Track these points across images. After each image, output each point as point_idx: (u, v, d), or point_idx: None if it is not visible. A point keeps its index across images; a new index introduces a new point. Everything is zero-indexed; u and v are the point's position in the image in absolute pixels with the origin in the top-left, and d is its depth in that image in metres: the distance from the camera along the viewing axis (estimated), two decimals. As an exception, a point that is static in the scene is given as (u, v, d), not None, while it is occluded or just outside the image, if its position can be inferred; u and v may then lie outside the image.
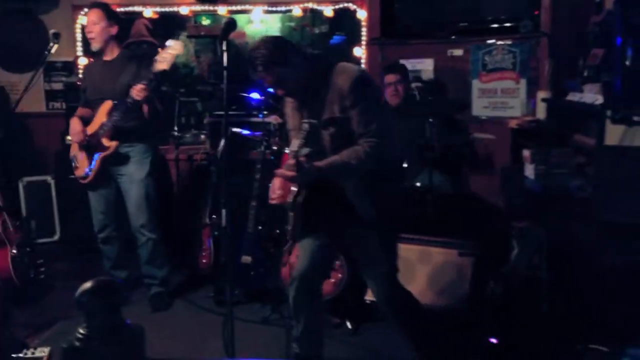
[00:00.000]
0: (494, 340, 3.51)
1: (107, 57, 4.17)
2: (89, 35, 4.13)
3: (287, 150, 3.59)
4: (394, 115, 3.45)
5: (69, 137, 4.30)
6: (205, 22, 7.02)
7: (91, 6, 4.17)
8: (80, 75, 4.51)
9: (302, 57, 2.89)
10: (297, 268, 3.16)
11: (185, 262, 4.81)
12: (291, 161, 2.74)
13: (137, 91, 3.89)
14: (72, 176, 4.29)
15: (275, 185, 3.06)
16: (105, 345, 1.14)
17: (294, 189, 2.90)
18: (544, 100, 4.56)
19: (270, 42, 2.81)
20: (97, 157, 4.11)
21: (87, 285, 1.20)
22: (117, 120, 4.02)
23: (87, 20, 4.12)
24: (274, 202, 3.06)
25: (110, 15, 4.14)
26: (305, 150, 2.75)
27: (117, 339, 1.15)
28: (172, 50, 3.88)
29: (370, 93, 2.83)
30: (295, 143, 2.77)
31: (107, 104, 4.07)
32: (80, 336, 1.15)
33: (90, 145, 4.13)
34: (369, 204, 2.87)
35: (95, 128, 4.10)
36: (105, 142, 4.08)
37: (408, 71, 4.77)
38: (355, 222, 2.91)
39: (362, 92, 2.76)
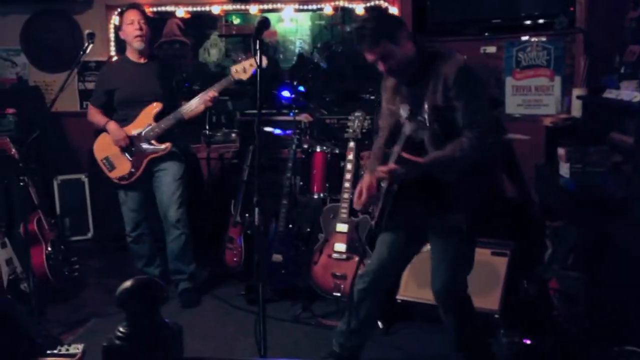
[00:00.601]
0: (527, 341, 3.46)
1: (141, 59, 4.22)
2: (138, 34, 4.13)
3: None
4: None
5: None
6: (236, 21, 7.07)
7: (134, 7, 4.21)
8: (100, 76, 4.49)
9: (412, 37, 2.78)
10: (372, 261, 3.10)
11: (216, 261, 4.83)
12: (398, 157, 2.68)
13: (209, 98, 4.05)
14: (105, 176, 4.31)
15: (363, 188, 2.93)
16: (145, 344, 1.14)
17: (383, 185, 2.85)
18: (579, 97, 4.47)
19: (381, 16, 2.73)
20: (144, 158, 4.17)
21: (128, 284, 1.20)
22: (173, 123, 4.10)
23: (131, 19, 4.13)
24: (358, 207, 2.99)
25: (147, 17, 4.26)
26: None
27: (156, 338, 1.15)
28: (254, 63, 3.89)
29: (475, 83, 2.76)
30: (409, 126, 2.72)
31: (155, 106, 4.14)
32: (120, 334, 1.15)
33: (133, 147, 4.18)
34: (461, 199, 2.80)
35: (140, 129, 4.16)
36: (156, 144, 4.16)
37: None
38: (443, 217, 2.85)
39: (468, 82, 2.69)
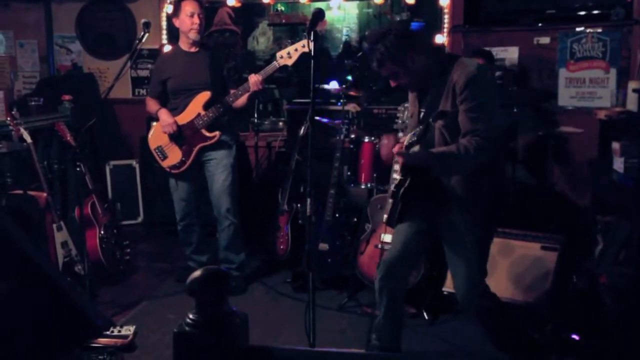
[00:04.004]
0: (576, 337, 3.41)
1: (192, 49, 4.27)
2: (196, 28, 4.18)
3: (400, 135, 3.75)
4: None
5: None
6: (284, 9, 7.09)
7: None
8: (154, 67, 4.53)
9: (424, 52, 2.83)
10: (389, 253, 3.17)
11: (263, 248, 4.89)
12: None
13: (255, 82, 4.03)
14: (158, 165, 4.37)
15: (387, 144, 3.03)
16: (214, 331, 1.18)
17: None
18: (635, 90, 4.36)
19: (392, 40, 2.76)
20: (194, 146, 4.22)
21: (198, 273, 1.24)
22: (223, 111, 4.14)
23: (191, 11, 4.15)
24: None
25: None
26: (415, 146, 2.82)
27: (224, 326, 1.19)
28: (299, 48, 3.94)
29: (484, 92, 2.77)
30: (408, 137, 2.86)
31: (204, 95, 4.17)
32: (190, 321, 1.19)
33: (183, 136, 4.24)
34: (467, 194, 2.84)
35: (190, 118, 4.21)
36: (206, 132, 4.20)
37: (494, 58, 4.66)
38: (452, 213, 2.89)
39: (474, 89, 2.72)
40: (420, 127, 2.86)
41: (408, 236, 3.05)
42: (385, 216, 3.07)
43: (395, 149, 2.89)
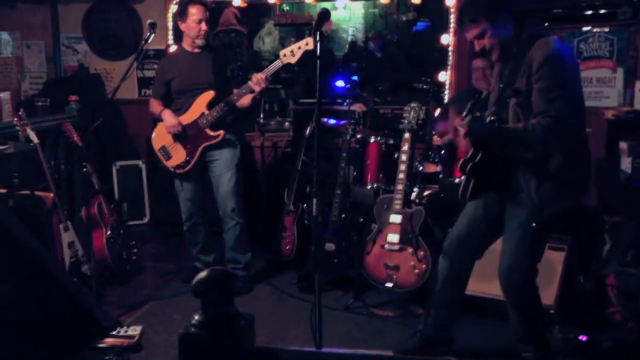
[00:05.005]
0: (583, 338, 3.40)
1: (195, 49, 4.26)
2: (204, 34, 4.17)
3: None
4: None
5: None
6: (289, 9, 7.09)
7: (199, 2, 4.19)
8: (158, 68, 4.51)
9: (513, 20, 2.85)
10: (453, 233, 3.18)
11: (269, 248, 4.89)
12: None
13: (258, 80, 4.01)
14: (162, 165, 4.38)
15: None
16: (220, 333, 1.17)
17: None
18: (642, 90, 4.35)
19: None
20: (199, 146, 4.22)
21: (203, 274, 1.23)
22: (227, 110, 4.13)
23: (199, 18, 4.13)
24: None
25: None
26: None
27: (230, 327, 1.19)
28: (302, 46, 3.93)
29: (559, 73, 2.75)
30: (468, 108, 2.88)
31: (208, 95, 4.17)
32: (195, 323, 1.19)
33: (187, 135, 4.23)
34: (534, 187, 2.83)
35: (193, 118, 4.20)
36: (209, 132, 4.19)
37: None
38: (515, 202, 2.90)
39: (550, 69, 2.71)
40: (495, 107, 2.87)
41: (475, 215, 3.08)
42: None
43: (457, 122, 2.87)
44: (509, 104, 2.82)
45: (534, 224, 2.84)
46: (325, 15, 2.75)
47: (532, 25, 2.90)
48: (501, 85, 2.91)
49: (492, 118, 2.87)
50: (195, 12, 4.15)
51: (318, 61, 2.68)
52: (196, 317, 1.20)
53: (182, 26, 4.24)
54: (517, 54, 2.82)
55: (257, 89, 4.04)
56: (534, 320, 3.11)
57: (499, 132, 2.81)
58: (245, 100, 4.17)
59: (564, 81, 2.74)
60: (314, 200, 2.70)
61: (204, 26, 4.16)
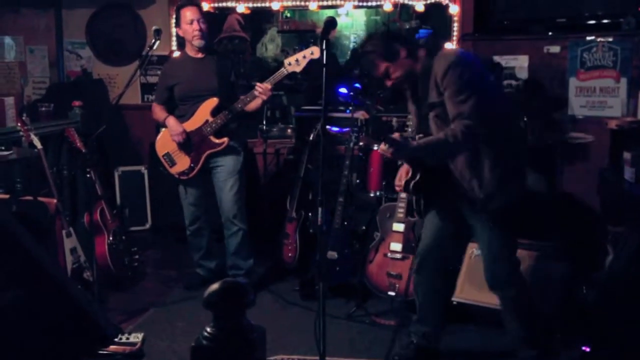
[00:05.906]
0: (586, 349, 3.38)
1: (198, 55, 4.26)
2: (197, 34, 4.16)
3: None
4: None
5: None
6: (289, 16, 7.09)
7: (191, 3, 4.22)
8: (161, 73, 4.53)
9: (408, 50, 3.01)
10: (420, 244, 3.29)
11: (270, 255, 4.87)
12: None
13: (264, 90, 4.01)
14: (165, 171, 4.37)
15: (402, 173, 3.16)
16: (232, 345, 1.17)
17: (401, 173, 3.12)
18: (646, 100, 4.35)
19: (377, 40, 3.00)
20: (203, 153, 4.21)
21: (216, 286, 1.22)
22: (231, 118, 4.13)
23: (190, 19, 4.15)
24: (398, 189, 3.22)
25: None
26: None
27: (242, 339, 1.18)
28: (308, 55, 3.95)
29: (464, 75, 2.85)
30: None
31: (212, 102, 4.17)
32: (207, 335, 1.18)
33: (191, 142, 4.23)
34: (477, 185, 2.92)
35: (198, 125, 4.20)
36: (214, 139, 4.19)
37: (502, 70, 4.66)
38: (466, 203, 3.01)
39: (453, 75, 2.83)
40: (419, 127, 3.06)
41: (435, 223, 3.19)
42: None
43: (381, 148, 2.96)
44: (430, 119, 2.96)
45: (491, 224, 2.98)
46: (331, 23, 2.75)
47: (432, 43, 3.19)
48: (418, 107, 3.07)
49: (421, 135, 2.99)
50: (187, 14, 4.17)
51: (324, 69, 2.67)
52: (208, 329, 1.19)
53: (180, 32, 4.29)
54: (422, 74, 2.97)
55: (262, 98, 4.04)
56: (528, 316, 3.19)
57: (422, 146, 2.91)
58: (254, 105, 4.16)
59: (469, 82, 2.84)
60: (319, 209, 2.69)
61: (195, 25, 4.15)
